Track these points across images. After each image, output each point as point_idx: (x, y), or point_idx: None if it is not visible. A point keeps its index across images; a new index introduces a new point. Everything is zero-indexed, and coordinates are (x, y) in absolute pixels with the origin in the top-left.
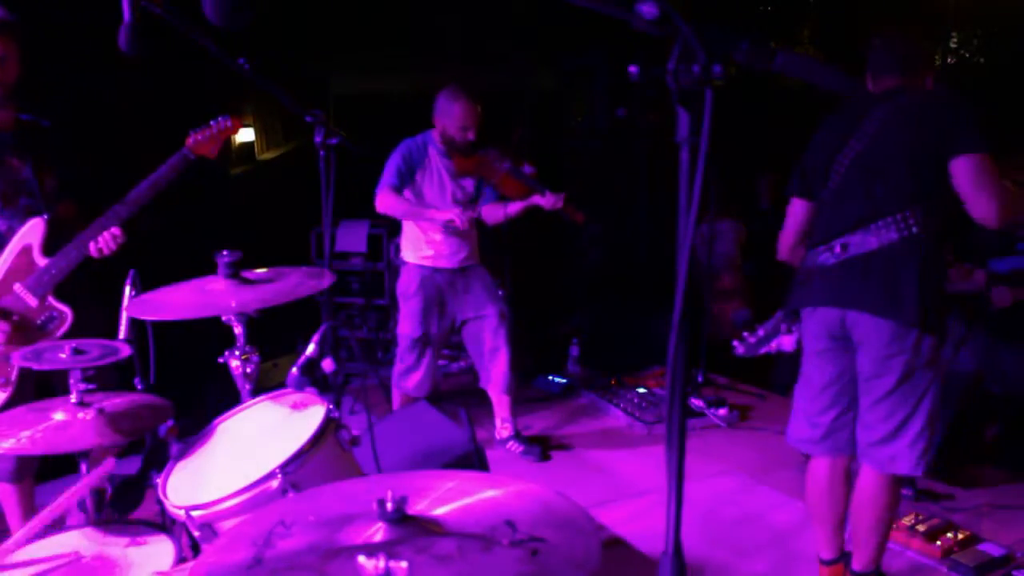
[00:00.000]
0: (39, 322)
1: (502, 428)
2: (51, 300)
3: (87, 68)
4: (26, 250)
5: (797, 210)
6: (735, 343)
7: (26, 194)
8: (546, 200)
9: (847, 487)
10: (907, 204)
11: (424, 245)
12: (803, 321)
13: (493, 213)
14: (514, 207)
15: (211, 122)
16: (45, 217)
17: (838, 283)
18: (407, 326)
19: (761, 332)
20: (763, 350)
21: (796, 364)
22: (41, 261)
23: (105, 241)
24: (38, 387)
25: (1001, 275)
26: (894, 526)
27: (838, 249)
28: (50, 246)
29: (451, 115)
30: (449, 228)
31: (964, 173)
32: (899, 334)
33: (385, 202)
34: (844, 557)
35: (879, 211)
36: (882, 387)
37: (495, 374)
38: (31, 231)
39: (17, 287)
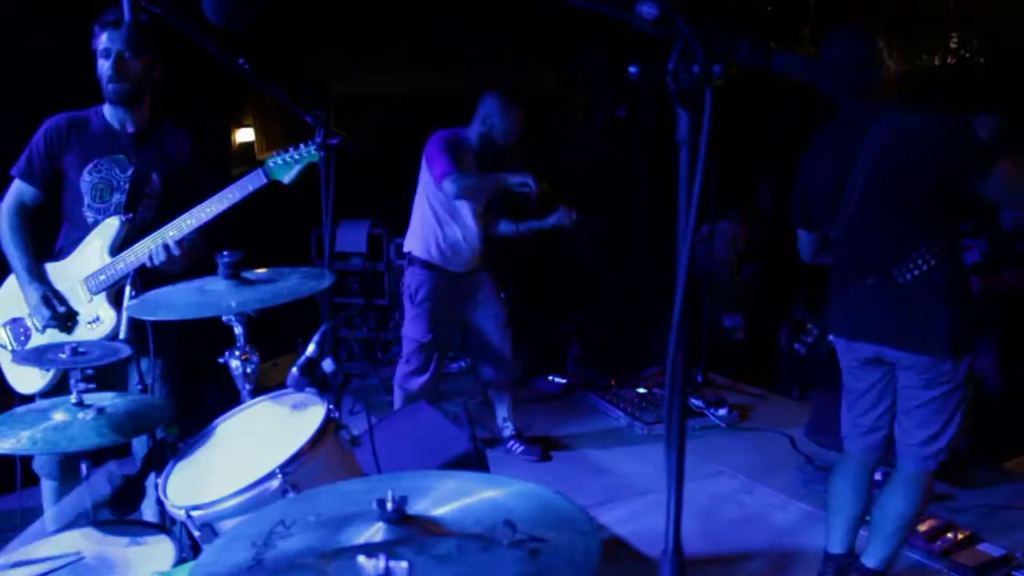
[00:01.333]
0: (87, 320)
1: (503, 427)
2: (103, 300)
3: (84, 67)
4: (98, 246)
5: (805, 238)
6: (796, 346)
7: (120, 192)
8: (557, 216)
9: (870, 486)
10: (928, 235)
11: (440, 247)
12: (836, 344)
13: (507, 227)
14: (525, 226)
15: (300, 145)
16: (123, 218)
17: (869, 318)
18: (417, 330)
19: (816, 331)
20: (821, 345)
21: (799, 365)
22: (105, 260)
23: (157, 250)
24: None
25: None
26: None
27: (866, 284)
28: (122, 247)
29: (507, 118)
30: (521, 190)
31: (998, 185)
32: (936, 363)
33: (459, 183)
34: (850, 556)
35: (901, 246)
36: (921, 399)
37: (498, 374)
38: (106, 228)
39: (78, 281)
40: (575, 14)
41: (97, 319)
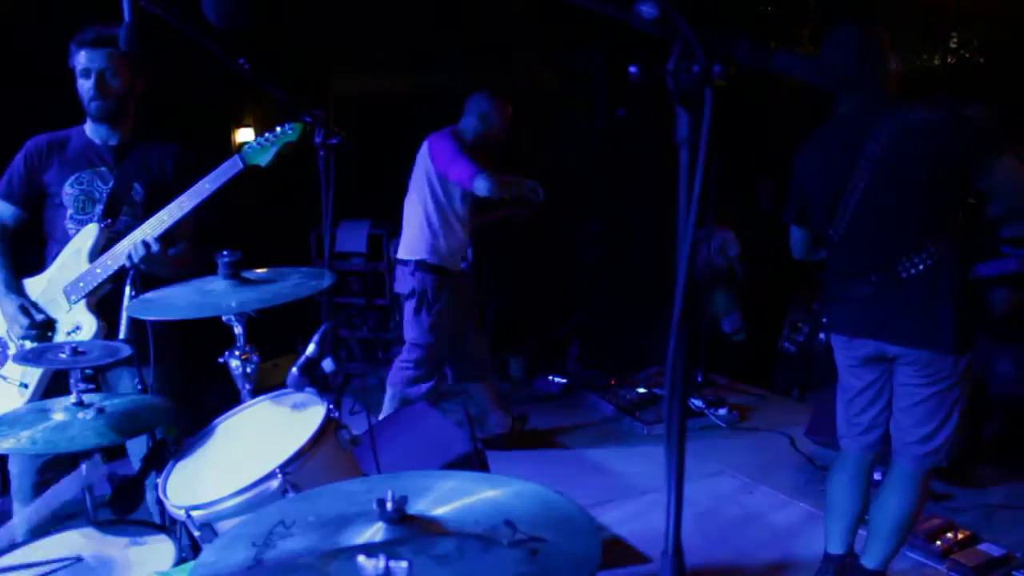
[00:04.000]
0: (68, 329)
1: (492, 416)
2: (83, 308)
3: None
4: (76, 254)
5: (798, 235)
6: (786, 344)
7: (101, 203)
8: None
9: (868, 485)
10: (933, 231)
11: (447, 248)
12: (835, 342)
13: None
14: (495, 215)
15: (276, 128)
16: (102, 224)
17: (871, 315)
18: (426, 335)
19: (807, 329)
20: (813, 343)
21: (799, 365)
22: (84, 266)
23: (136, 247)
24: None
25: (991, 279)
26: None
27: (868, 281)
28: (102, 254)
29: (503, 116)
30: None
31: (1001, 181)
32: (938, 358)
33: (491, 181)
34: (849, 556)
35: (905, 242)
36: (919, 396)
37: (482, 363)
38: (85, 235)
39: (58, 290)
40: (575, 14)
41: (78, 327)
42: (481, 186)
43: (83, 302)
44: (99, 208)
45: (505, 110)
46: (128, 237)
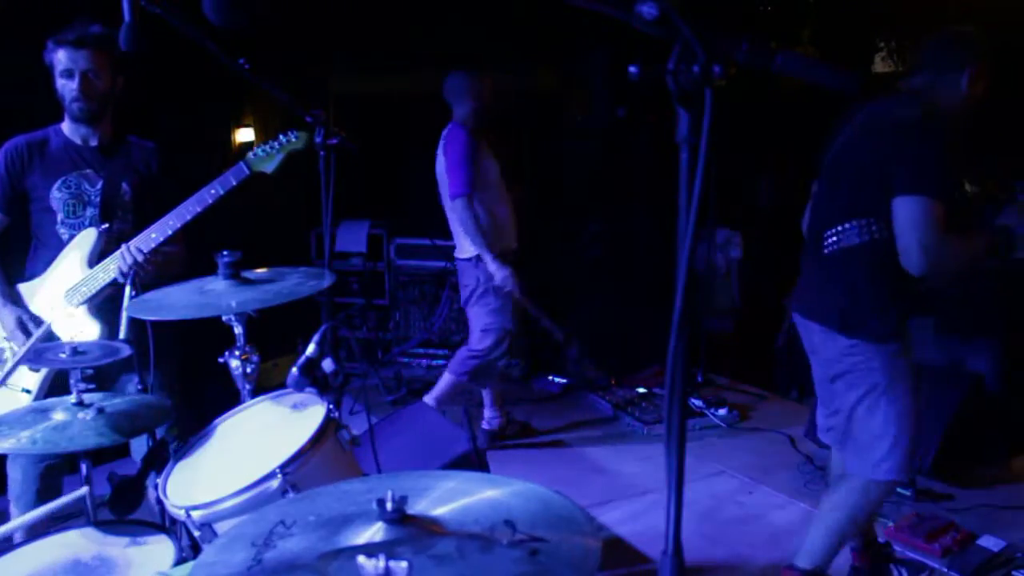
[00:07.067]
0: (69, 335)
1: (495, 420)
2: (85, 313)
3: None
4: (75, 258)
5: None
6: (779, 335)
7: (93, 205)
8: None
9: None
10: (856, 214)
11: (503, 231)
12: None
13: None
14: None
15: (279, 136)
16: (100, 228)
17: (802, 289)
18: (508, 320)
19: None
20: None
21: (796, 365)
22: (85, 272)
23: (125, 260)
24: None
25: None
26: (895, 526)
27: (810, 249)
28: (101, 259)
29: (486, 85)
30: None
31: (899, 213)
32: (829, 336)
33: (465, 210)
34: (873, 545)
35: (841, 215)
36: (839, 398)
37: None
38: (82, 241)
39: (58, 295)
40: (575, 14)
41: (81, 331)
42: (458, 207)
43: (84, 307)
44: (90, 211)
45: (484, 80)
46: (132, 241)
